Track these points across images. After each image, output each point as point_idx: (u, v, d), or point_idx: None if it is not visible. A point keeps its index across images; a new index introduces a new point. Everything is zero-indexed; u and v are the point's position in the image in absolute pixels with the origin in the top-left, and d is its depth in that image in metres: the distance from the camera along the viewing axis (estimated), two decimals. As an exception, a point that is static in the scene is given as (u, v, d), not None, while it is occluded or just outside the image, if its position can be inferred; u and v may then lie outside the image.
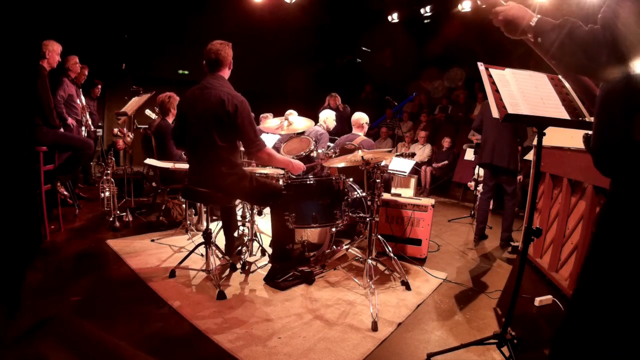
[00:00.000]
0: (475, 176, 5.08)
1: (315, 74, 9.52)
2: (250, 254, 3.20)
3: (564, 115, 1.63)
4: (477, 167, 4.87)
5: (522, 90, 1.70)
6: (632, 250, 0.84)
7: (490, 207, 5.23)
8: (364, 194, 3.22)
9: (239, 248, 3.20)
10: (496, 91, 1.69)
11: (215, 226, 3.64)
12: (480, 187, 4.46)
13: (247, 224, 3.27)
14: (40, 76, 3.24)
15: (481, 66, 1.78)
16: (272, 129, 3.39)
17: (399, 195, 3.57)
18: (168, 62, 8.34)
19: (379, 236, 2.93)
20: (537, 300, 2.60)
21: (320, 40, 9.54)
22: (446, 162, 7.05)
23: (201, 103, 2.49)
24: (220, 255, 2.95)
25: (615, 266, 0.87)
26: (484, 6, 1.29)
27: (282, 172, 3.11)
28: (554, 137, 2.78)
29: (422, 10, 8.21)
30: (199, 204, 3.86)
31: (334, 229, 2.97)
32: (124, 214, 3.97)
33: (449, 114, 8.62)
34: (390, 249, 2.91)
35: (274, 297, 2.53)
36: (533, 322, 2.39)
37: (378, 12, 8.78)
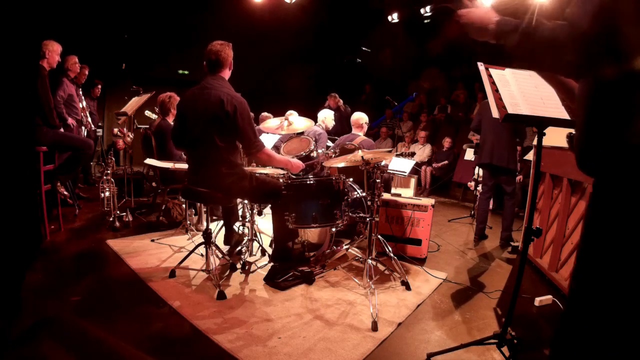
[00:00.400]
0: (475, 176, 5.08)
1: (315, 74, 9.52)
2: (250, 254, 3.20)
3: (564, 115, 1.63)
4: (477, 167, 4.87)
5: (522, 90, 1.70)
6: (619, 249, 0.84)
7: (490, 207, 5.23)
8: (364, 194, 3.22)
9: (239, 248, 3.21)
10: (496, 91, 1.69)
11: (215, 226, 3.65)
12: (480, 187, 4.46)
13: (247, 224, 3.27)
14: (40, 76, 3.24)
15: (481, 66, 1.78)
16: (272, 129, 3.38)
17: (399, 195, 3.57)
18: (168, 62, 8.35)
19: (379, 236, 2.93)
20: (537, 300, 2.60)
21: (320, 40, 9.54)
22: (446, 162, 7.05)
23: (201, 103, 2.50)
24: (220, 255, 2.95)
25: (604, 265, 0.87)
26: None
27: (282, 172, 3.12)
28: (554, 137, 2.77)
29: (422, 10, 8.21)
30: (199, 204, 3.86)
31: (334, 229, 2.97)
32: (124, 214, 3.97)
33: (449, 113, 8.62)
34: (390, 249, 2.91)
35: (274, 297, 2.53)
36: (533, 322, 2.39)
37: (378, 12, 8.78)
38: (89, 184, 5.92)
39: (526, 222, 1.80)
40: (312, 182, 2.76)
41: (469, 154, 5.93)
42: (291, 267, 2.78)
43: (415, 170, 6.52)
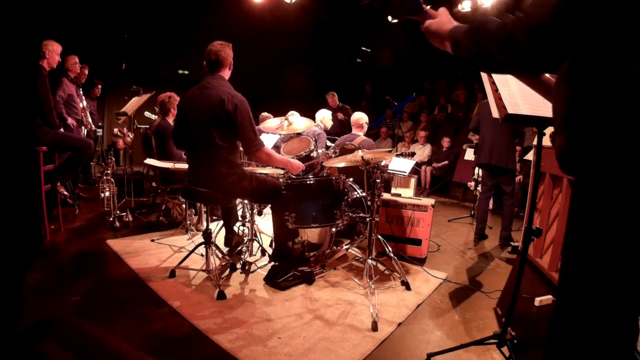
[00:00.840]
0: (475, 176, 5.08)
1: (315, 74, 9.53)
2: (250, 254, 3.20)
3: (564, 115, 1.63)
4: (476, 167, 4.87)
5: (522, 90, 1.70)
6: (600, 248, 0.84)
7: (490, 207, 5.24)
8: (364, 194, 3.22)
9: (239, 248, 3.21)
10: (496, 91, 1.69)
11: (215, 226, 3.65)
12: (480, 187, 4.46)
13: (247, 224, 3.27)
14: (40, 76, 3.24)
15: (481, 66, 1.78)
16: (272, 129, 3.38)
17: (399, 195, 3.57)
18: (168, 62, 8.35)
19: (379, 236, 2.93)
20: (537, 300, 2.60)
21: (320, 41, 9.54)
22: (446, 162, 7.05)
23: (201, 103, 2.50)
24: (220, 255, 2.95)
25: (587, 265, 0.87)
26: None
27: (282, 172, 3.12)
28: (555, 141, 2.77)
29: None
30: (199, 204, 3.86)
31: (334, 229, 2.97)
32: (124, 214, 3.97)
33: (449, 113, 8.62)
34: (390, 249, 2.91)
35: (274, 297, 2.53)
36: (533, 322, 2.39)
37: (378, 12, 8.78)
38: (89, 184, 5.92)
39: (526, 222, 1.80)
40: (312, 182, 2.76)
41: (469, 154, 5.93)
42: (291, 267, 2.78)
43: (415, 170, 6.53)
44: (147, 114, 5.10)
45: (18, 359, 1.71)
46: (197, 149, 2.58)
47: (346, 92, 7.70)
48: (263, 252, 3.22)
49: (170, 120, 3.98)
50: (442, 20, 1.14)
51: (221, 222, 3.52)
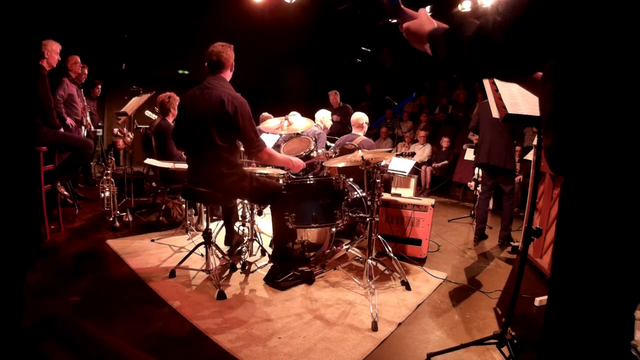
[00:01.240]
0: (475, 176, 5.08)
1: (315, 74, 9.52)
2: (250, 254, 3.20)
3: (564, 115, 1.63)
4: (476, 167, 4.87)
5: (522, 90, 1.70)
6: (588, 249, 0.84)
7: (490, 206, 5.24)
8: (364, 194, 3.22)
9: (239, 248, 3.21)
10: (496, 91, 1.69)
11: (215, 226, 3.65)
12: (480, 187, 4.47)
13: (247, 224, 3.27)
14: (40, 76, 3.23)
15: (481, 66, 1.78)
16: (272, 129, 3.39)
17: (399, 195, 3.57)
18: (168, 62, 8.35)
19: (379, 236, 2.93)
20: (537, 300, 2.60)
21: (320, 40, 9.54)
22: (446, 162, 7.05)
23: (201, 103, 2.50)
24: (220, 255, 2.95)
25: (577, 267, 0.87)
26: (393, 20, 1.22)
27: (282, 172, 3.12)
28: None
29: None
30: (199, 204, 3.86)
31: (334, 229, 2.97)
32: (124, 214, 3.97)
33: (449, 113, 8.62)
34: (390, 249, 2.91)
35: (274, 297, 2.53)
36: (533, 322, 2.39)
37: (378, 12, 8.78)
38: (89, 184, 5.92)
39: (526, 222, 1.80)
40: (312, 182, 2.76)
41: (469, 154, 5.93)
42: (291, 267, 2.78)
43: (415, 170, 6.52)
44: (147, 113, 5.10)
45: (18, 359, 1.71)
46: (197, 149, 2.58)
47: (346, 92, 7.70)
48: (263, 252, 3.22)
49: (170, 120, 3.98)
50: (421, 21, 1.12)
51: (221, 222, 3.52)
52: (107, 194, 4.01)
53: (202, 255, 2.87)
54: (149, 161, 3.76)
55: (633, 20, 0.74)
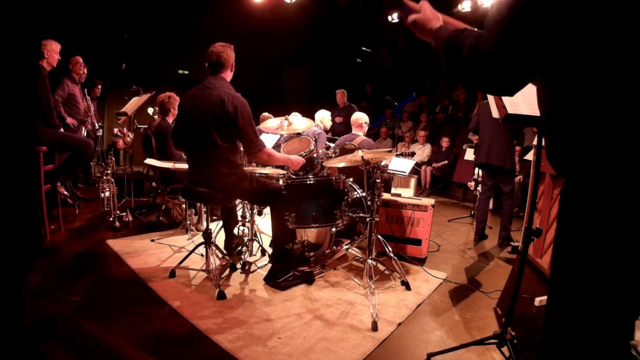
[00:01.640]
0: (475, 176, 5.08)
1: (315, 74, 9.53)
2: (250, 254, 3.20)
3: (564, 115, 1.63)
4: (475, 167, 4.88)
5: (522, 90, 1.70)
6: (586, 252, 0.84)
7: (490, 206, 5.24)
8: (364, 194, 3.22)
9: (239, 248, 3.20)
10: (496, 91, 1.69)
11: (215, 226, 3.64)
12: (480, 187, 4.47)
13: (247, 224, 3.27)
14: (40, 76, 3.23)
15: (481, 66, 1.78)
16: (272, 129, 3.39)
17: (399, 195, 3.57)
18: (168, 62, 8.35)
19: (379, 236, 2.93)
20: (537, 300, 2.60)
21: (320, 41, 9.54)
22: (446, 162, 7.05)
23: (201, 103, 2.50)
24: (220, 255, 2.95)
25: (575, 268, 0.87)
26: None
27: (282, 172, 3.12)
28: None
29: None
30: (199, 204, 3.86)
31: (334, 229, 2.97)
32: (124, 214, 3.97)
33: (449, 113, 8.63)
34: (390, 249, 2.91)
35: (274, 297, 2.53)
36: (533, 322, 2.39)
37: (378, 12, 8.79)
38: (89, 184, 5.92)
39: (526, 222, 1.80)
40: (312, 182, 2.76)
41: (469, 154, 5.93)
42: (291, 267, 2.78)
43: (415, 170, 6.52)
44: (150, 110, 5.10)
45: (18, 359, 1.71)
46: (197, 149, 2.58)
47: (346, 92, 7.70)
48: (263, 252, 3.22)
49: (170, 120, 3.98)
50: (426, 16, 1.13)
51: (221, 222, 3.52)
52: (107, 194, 4.01)
53: (202, 255, 2.87)
54: (149, 161, 3.76)
55: (617, 22, 0.74)
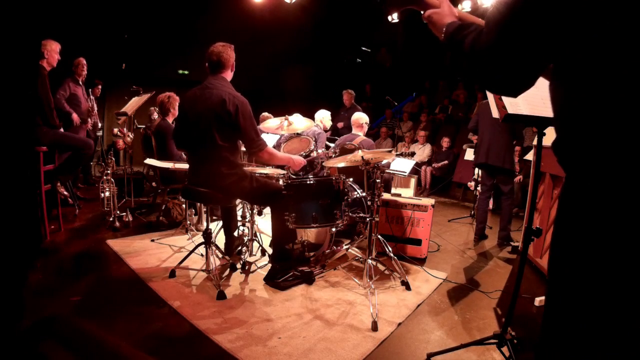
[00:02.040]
0: (475, 176, 5.08)
1: (315, 74, 9.53)
2: (250, 254, 3.20)
3: (564, 115, 1.63)
4: (475, 167, 4.88)
5: (522, 90, 1.70)
6: (583, 252, 0.84)
7: (490, 206, 5.24)
8: (364, 194, 3.22)
9: (239, 248, 3.20)
10: (496, 91, 1.69)
11: (215, 226, 3.64)
12: (480, 187, 4.47)
13: (247, 224, 3.27)
14: (40, 76, 3.23)
15: (481, 66, 1.78)
16: (272, 129, 3.38)
17: (399, 195, 3.57)
18: (168, 62, 8.35)
19: (379, 236, 2.93)
20: (537, 300, 2.60)
21: (320, 41, 9.54)
22: (446, 162, 7.05)
23: (202, 103, 2.50)
24: (220, 255, 2.95)
25: (573, 267, 0.87)
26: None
27: (282, 172, 3.12)
28: (554, 137, 2.78)
29: (422, 11, 8.22)
30: (199, 204, 3.86)
31: (334, 229, 2.97)
32: (124, 214, 3.97)
33: (449, 113, 8.63)
34: (390, 249, 2.91)
35: (274, 297, 2.53)
36: (533, 322, 2.39)
37: (378, 12, 8.79)
38: (89, 184, 5.92)
39: (526, 222, 1.80)
40: (312, 182, 2.76)
41: (469, 154, 5.93)
42: (291, 267, 2.78)
43: (415, 170, 6.52)
44: (155, 116, 5.10)
45: (18, 359, 1.71)
46: (197, 149, 2.57)
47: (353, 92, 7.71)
48: (263, 252, 3.22)
49: (170, 120, 3.98)
50: (443, 11, 1.11)
51: (221, 223, 3.51)
52: (107, 194, 4.01)
53: (202, 255, 2.87)
54: (149, 161, 3.76)
55: (619, 21, 0.74)
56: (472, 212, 5.06)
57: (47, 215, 3.37)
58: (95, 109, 4.92)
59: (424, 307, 2.51)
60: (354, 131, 3.95)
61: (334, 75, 10.16)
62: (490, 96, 1.72)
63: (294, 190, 2.71)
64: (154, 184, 4.52)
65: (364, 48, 11.06)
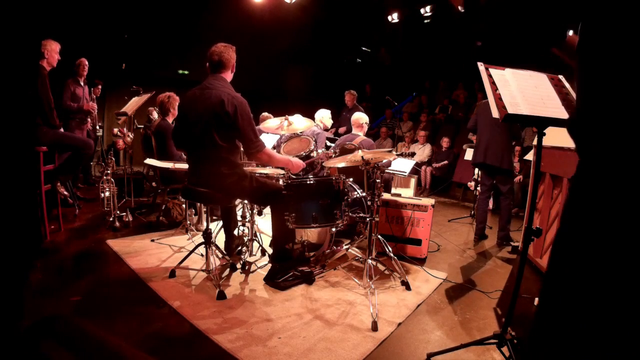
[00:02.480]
0: (475, 176, 5.09)
1: (315, 74, 9.53)
2: (250, 254, 3.20)
3: (564, 115, 1.63)
4: (473, 167, 4.88)
5: (522, 90, 1.70)
6: (595, 234, 0.83)
7: (490, 206, 5.24)
8: (364, 194, 3.22)
9: (239, 248, 3.20)
10: (496, 91, 1.69)
11: (215, 226, 3.64)
12: (479, 187, 4.47)
13: (247, 224, 3.27)
14: (40, 76, 3.23)
15: (481, 66, 1.78)
16: (272, 129, 3.38)
17: (399, 195, 3.57)
18: (168, 62, 8.35)
19: (379, 236, 2.93)
20: (537, 300, 2.59)
21: (320, 41, 9.54)
22: (446, 162, 7.05)
23: (201, 103, 2.50)
24: (220, 255, 2.95)
25: (580, 250, 0.86)
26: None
27: (282, 172, 3.11)
28: (554, 137, 2.78)
29: (422, 10, 8.23)
30: (199, 204, 3.86)
31: (334, 229, 2.97)
32: (124, 214, 3.97)
33: (449, 113, 8.63)
34: (390, 249, 2.91)
35: (274, 297, 2.53)
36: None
37: (378, 12, 8.79)
38: (89, 184, 5.92)
39: (526, 222, 1.80)
40: (312, 182, 2.76)
41: (469, 154, 5.93)
42: (291, 267, 2.78)
43: (415, 170, 6.52)
44: (155, 115, 5.10)
45: (18, 359, 1.71)
46: (197, 149, 2.57)
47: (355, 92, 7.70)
48: (263, 252, 3.22)
49: (170, 120, 3.98)
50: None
51: (221, 222, 3.51)
52: (107, 194, 4.01)
53: (202, 255, 2.87)
54: (149, 161, 3.76)
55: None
56: (472, 212, 5.06)
57: (47, 215, 3.36)
58: (95, 108, 4.92)
59: (424, 307, 2.51)
60: (354, 131, 3.95)
61: (334, 75, 10.16)
62: (490, 96, 1.72)
63: (294, 190, 2.71)
64: (154, 184, 4.52)
65: (364, 48, 11.05)
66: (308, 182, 2.75)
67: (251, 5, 7.36)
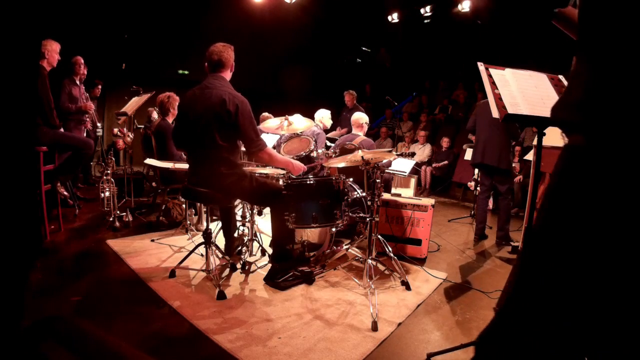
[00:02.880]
0: (475, 176, 5.09)
1: (315, 74, 9.52)
2: (250, 254, 3.20)
3: (564, 115, 1.63)
4: (472, 167, 4.89)
5: (522, 90, 1.70)
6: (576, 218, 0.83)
7: (490, 206, 5.25)
8: (364, 194, 3.22)
9: (239, 248, 3.20)
10: (496, 90, 1.69)
11: (215, 226, 3.64)
12: (479, 187, 4.48)
13: (247, 224, 3.27)
14: (40, 76, 3.23)
15: (481, 66, 1.79)
16: (272, 129, 3.38)
17: (399, 195, 3.57)
18: (168, 62, 8.35)
19: (379, 236, 2.93)
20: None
21: (320, 41, 9.54)
22: (446, 162, 7.05)
23: (202, 103, 2.50)
24: (220, 255, 2.95)
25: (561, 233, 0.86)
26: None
27: (282, 172, 3.11)
28: (554, 137, 2.78)
29: (422, 10, 8.23)
30: (199, 204, 3.86)
31: (334, 229, 2.97)
32: (124, 214, 3.97)
33: (449, 113, 8.63)
34: (390, 249, 2.91)
35: (274, 297, 2.53)
36: (533, 322, 2.39)
37: (378, 12, 8.80)
38: (89, 184, 5.92)
39: (526, 222, 1.81)
40: (312, 182, 2.76)
41: (469, 154, 5.93)
42: (291, 267, 2.78)
43: (415, 170, 6.52)
44: (155, 115, 5.10)
45: (18, 359, 1.71)
46: (197, 149, 2.57)
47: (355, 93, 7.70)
48: (263, 252, 3.22)
49: (170, 120, 3.98)
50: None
51: (221, 222, 3.51)
52: (107, 194, 4.01)
53: (202, 255, 2.87)
54: (149, 161, 3.76)
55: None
56: (472, 212, 5.06)
57: (47, 215, 3.36)
58: (93, 108, 4.92)
59: (424, 307, 2.51)
60: (354, 131, 3.95)
61: (334, 75, 10.16)
62: (490, 96, 1.72)
63: (294, 190, 2.71)
64: (154, 184, 4.52)
65: (364, 48, 11.06)
66: (308, 182, 2.76)
67: (251, 5, 7.36)
